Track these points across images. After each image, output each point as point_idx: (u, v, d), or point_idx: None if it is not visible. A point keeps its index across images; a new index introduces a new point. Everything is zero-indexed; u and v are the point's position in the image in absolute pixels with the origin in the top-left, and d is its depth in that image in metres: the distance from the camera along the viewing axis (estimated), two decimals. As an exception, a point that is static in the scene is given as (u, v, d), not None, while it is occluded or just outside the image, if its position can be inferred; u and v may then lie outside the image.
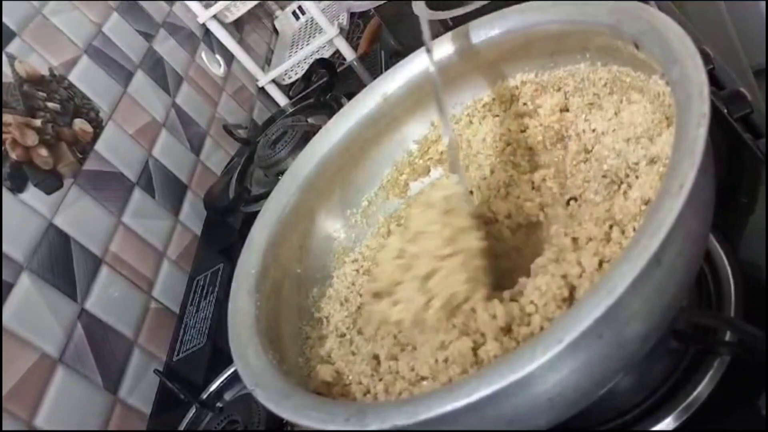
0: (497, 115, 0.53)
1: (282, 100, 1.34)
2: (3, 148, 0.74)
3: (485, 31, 0.49)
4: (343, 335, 0.49)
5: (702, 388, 0.37)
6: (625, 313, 0.26)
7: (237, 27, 1.40)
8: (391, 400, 0.37)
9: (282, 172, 0.87)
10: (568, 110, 0.49)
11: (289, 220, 0.53)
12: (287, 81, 1.36)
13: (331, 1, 1.46)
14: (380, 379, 0.41)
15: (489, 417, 0.28)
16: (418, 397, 0.28)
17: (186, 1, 1.26)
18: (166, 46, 1.15)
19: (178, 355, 0.78)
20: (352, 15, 1.41)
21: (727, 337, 0.37)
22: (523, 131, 0.52)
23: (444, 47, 0.51)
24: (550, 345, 0.25)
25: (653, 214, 0.26)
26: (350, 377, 0.42)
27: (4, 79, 0.79)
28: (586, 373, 0.27)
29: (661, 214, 0.26)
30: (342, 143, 0.56)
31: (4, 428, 0.60)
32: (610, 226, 0.36)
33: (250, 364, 0.40)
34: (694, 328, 0.38)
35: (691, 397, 0.37)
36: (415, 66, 0.54)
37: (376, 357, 0.43)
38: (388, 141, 0.58)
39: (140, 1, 1.15)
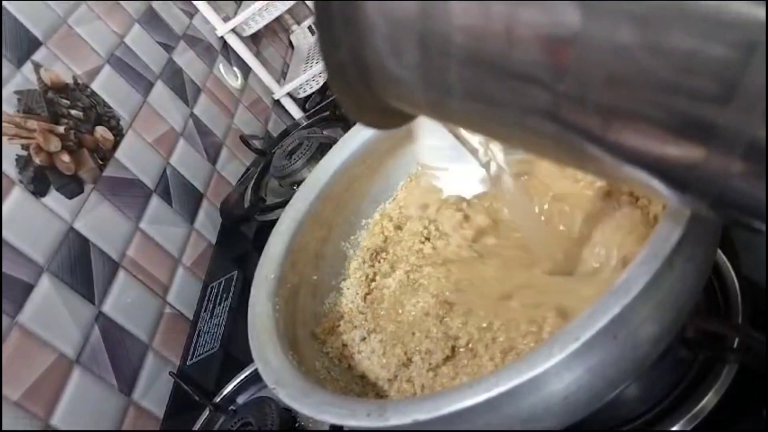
0: None
1: (297, 112, 1.36)
2: (27, 153, 0.76)
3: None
4: (362, 339, 0.50)
5: (710, 397, 0.38)
6: (639, 314, 0.27)
7: (254, 41, 1.43)
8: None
9: (297, 183, 0.89)
10: None
11: (306, 228, 0.54)
12: (302, 94, 1.39)
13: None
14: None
15: (506, 415, 0.29)
16: (439, 393, 0.29)
17: (206, 1, 1.28)
18: (185, 58, 1.17)
19: (191, 359, 0.79)
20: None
21: (735, 344, 0.38)
22: None
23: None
24: (567, 343, 0.26)
25: (666, 221, 0.27)
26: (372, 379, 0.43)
27: (29, 87, 0.81)
28: (600, 373, 0.28)
29: (673, 220, 0.27)
30: (359, 155, 0.58)
31: (22, 427, 0.61)
32: None
33: (270, 363, 0.41)
34: (703, 336, 0.39)
35: (699, 406, 0.38)
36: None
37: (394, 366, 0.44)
38: (402, 153, 0.59)
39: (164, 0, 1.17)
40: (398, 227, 0.57)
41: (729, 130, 0.17)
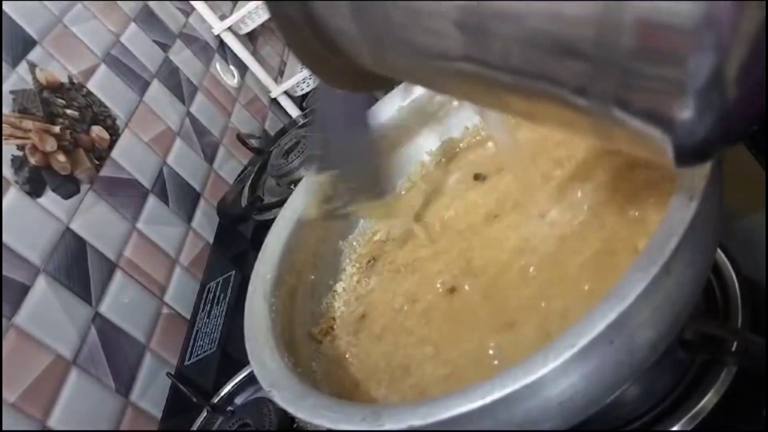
0: None
1: (294, 111, 1.36)
2: (23, 153, 0.75)
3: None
4: (354, 344, 0.50)
5: (708, 399, 0.38)
6: (635, 320, 0.27)
7: (251, 39, 1.42)
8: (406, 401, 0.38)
9: (294, 182, 0.88)
10: None
11: (303, 228, 0.54)
12: (299, 93, 1.38)
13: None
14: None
15: (501, 419, 0.29)
16: (434, 399, 0.29)
17: (203, 0, 1.28)
18: (181, 57, 1.17)
19: (189, 360, 0.79)
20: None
21: (734, 347, 0.37)
22: None
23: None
24: (562, 349, 0.26)
25: (664, 225, 0.27)
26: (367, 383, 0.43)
27: (24, 86, 0.81)
28: (596, 379, 0.28)
29: (671, 225, 0.27)
30: (356, 154, 0.57)
31: (19, 428, 0.61)
32: None
33: (266, 365, 0.41)
34: (702, 339, 0.39)
35: (697, 408, 0.38)
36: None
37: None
38: (401, 152, 0.59)
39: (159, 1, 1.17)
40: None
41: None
